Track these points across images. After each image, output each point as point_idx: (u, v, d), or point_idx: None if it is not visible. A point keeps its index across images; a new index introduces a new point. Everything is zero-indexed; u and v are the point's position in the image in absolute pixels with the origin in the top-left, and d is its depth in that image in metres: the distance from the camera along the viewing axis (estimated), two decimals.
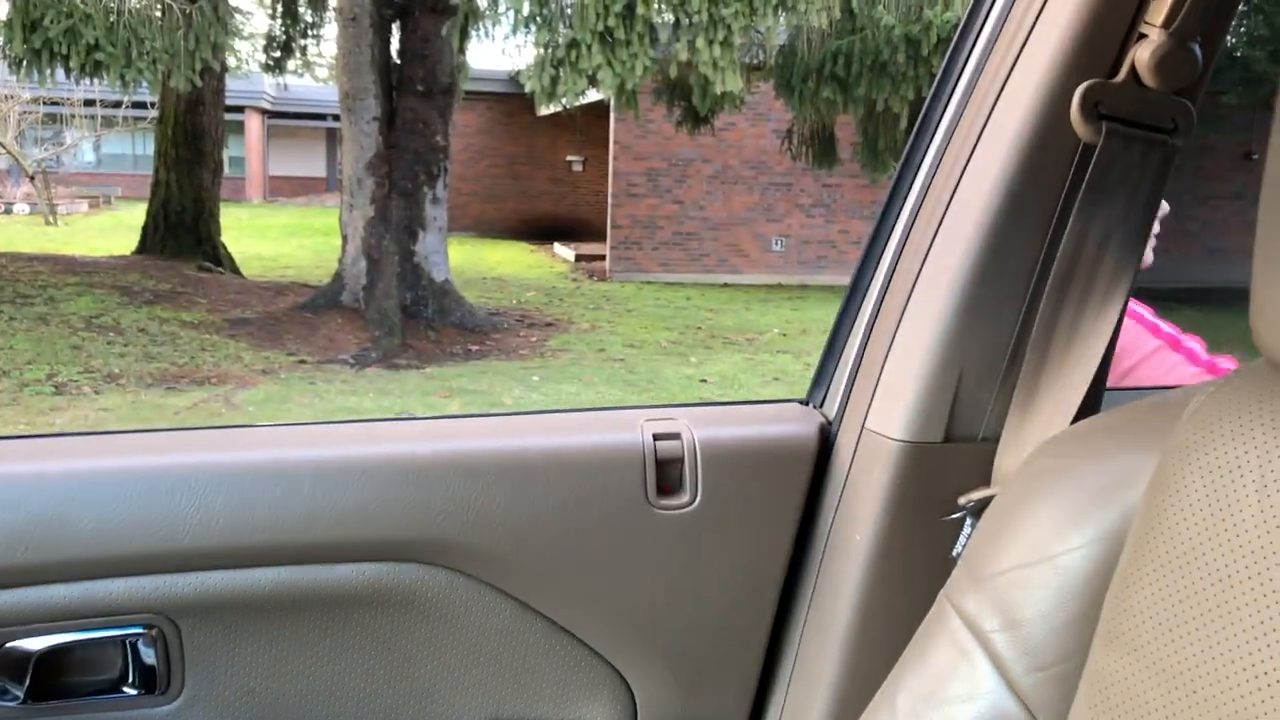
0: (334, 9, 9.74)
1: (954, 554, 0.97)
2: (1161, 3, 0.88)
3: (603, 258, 13.78)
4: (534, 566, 1.06)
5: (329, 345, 8.02)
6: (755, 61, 9.57)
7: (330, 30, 11.87)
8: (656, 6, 7.08)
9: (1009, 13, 0.98)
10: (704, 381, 7.44)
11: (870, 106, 9.06)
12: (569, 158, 17.93)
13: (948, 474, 1.01)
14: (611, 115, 12.90)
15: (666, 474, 1.08)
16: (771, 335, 9.50)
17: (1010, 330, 0.99)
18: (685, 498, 1.08)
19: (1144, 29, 0.90)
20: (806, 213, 13.58)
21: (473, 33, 8.90)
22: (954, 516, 0.97)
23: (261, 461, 1.04)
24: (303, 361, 7.55)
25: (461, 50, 8.82)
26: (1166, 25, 0.88)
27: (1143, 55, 0.89)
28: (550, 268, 14.30)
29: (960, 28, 1.04)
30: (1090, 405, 0.98)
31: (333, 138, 21.74)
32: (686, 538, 1.08)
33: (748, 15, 6.92)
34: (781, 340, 9.28)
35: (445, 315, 8.76)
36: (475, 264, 13.30)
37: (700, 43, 7.08)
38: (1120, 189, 0.93)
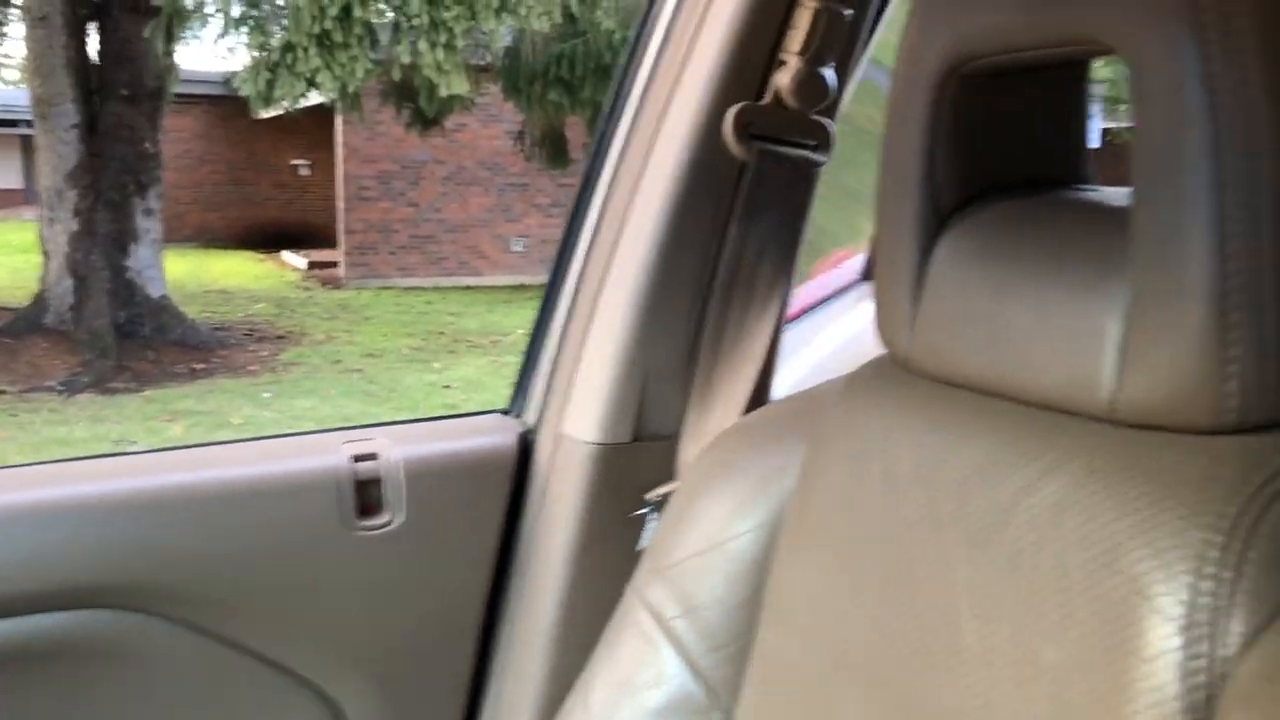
0: (20, 7, 8.95)
1: (640, 548, 1.03)
2: (797, 32, 0.97)
3: (336, 264, 13.36)
4: (232, 601, 1.04)
5: (33, 373, 7.38)
6: (484, 63, 9.56)
7: (18, 30, 10.89)
8: (376, 8, 6.94)
9: (668, 39, 1.05)
10: (448, 388, 7.37)
11: (596, 109, 9.25)
12: (294, 161, 17.22)
13: (638, 472, 1.07)
14: (338, 117, 12.53)
15: (367, 495, 1.09)
16: (515, 336, 9.52)
17: (688, 333, 1.06)
18: (386, 517, 1.09)
19: (784, 56, 0.99)
20: (545, 213, 13.67)
21: (181, 34, 8.42)
22: (640, 512, 1.03)
23: None
24: (2, 392, 6.92)
25: (168, 52, 8.32)
26: (802, 53, 0.97)
27: (783, 80, 0.98)
28: (280, 277, 13.72)
29: (629, 50, 1.10)
30: (760, 398, 1.06)
31: (29, 146, 19.95)
32: (389, 556, 1.09)
33: (469, 18, 6.90)
34: (525, 341, 9.32)
35: (164, 333, 8.25)
36: (197, 276, 12.57)
37: (423, 45, 7.00)
38: (773, 201, 1.01)
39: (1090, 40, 0.61)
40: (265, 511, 1.05)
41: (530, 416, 1.17)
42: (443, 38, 6.96)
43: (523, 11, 7.15)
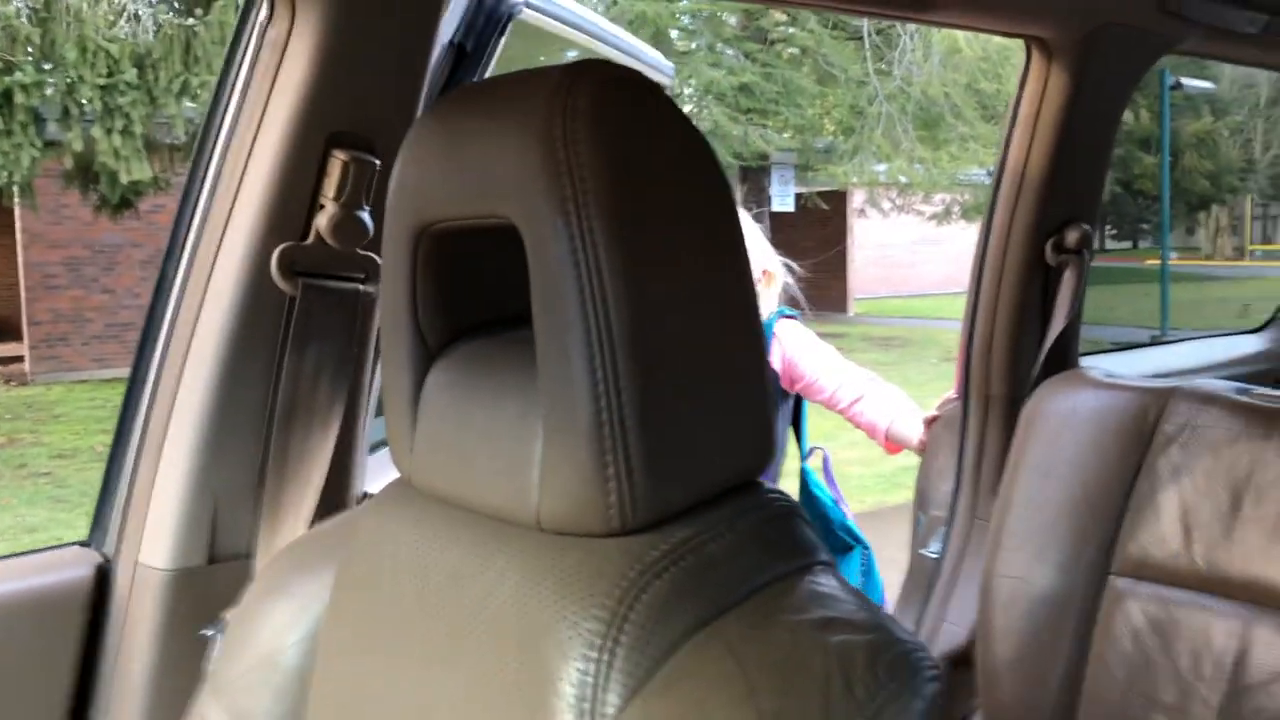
0: None
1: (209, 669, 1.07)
2: (330, 179, 1.07)
3: (22, 359, 12.32)
4: None
5: None
6: (179, 141, 9.18)
7: None
8: (42, 95, 6.54)
9: (219, 178, 1.12)
10: None
11: None
12: None
13: (216, 593, 1.11)
14: (16, 202, 11.64)
15: None
16: None
17: (254, 456, 1.12)
18: None
19: (323, 200, 1.08)
20: None
21: None
22: (208, 633, 1.07)
23: None
24: None
25: None
26: (337, 197, 1.07)
27: (322, 222, 1.07)
28: None
29: (185, 186, 1.16)
30: (336, 510, 1.13)
31: None
32: None
33: (148, 103, 6.65)
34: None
35: None
36: None
37: (97, 132, 6.66)
38: (324, 331, 1.10)
39: (504, 217, 0.73)
40: None
41: (109, 546, 1.18)
42: (119, 124, 6.65)
43: (204, 96, 6.95)
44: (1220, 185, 17.96)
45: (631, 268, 0.69)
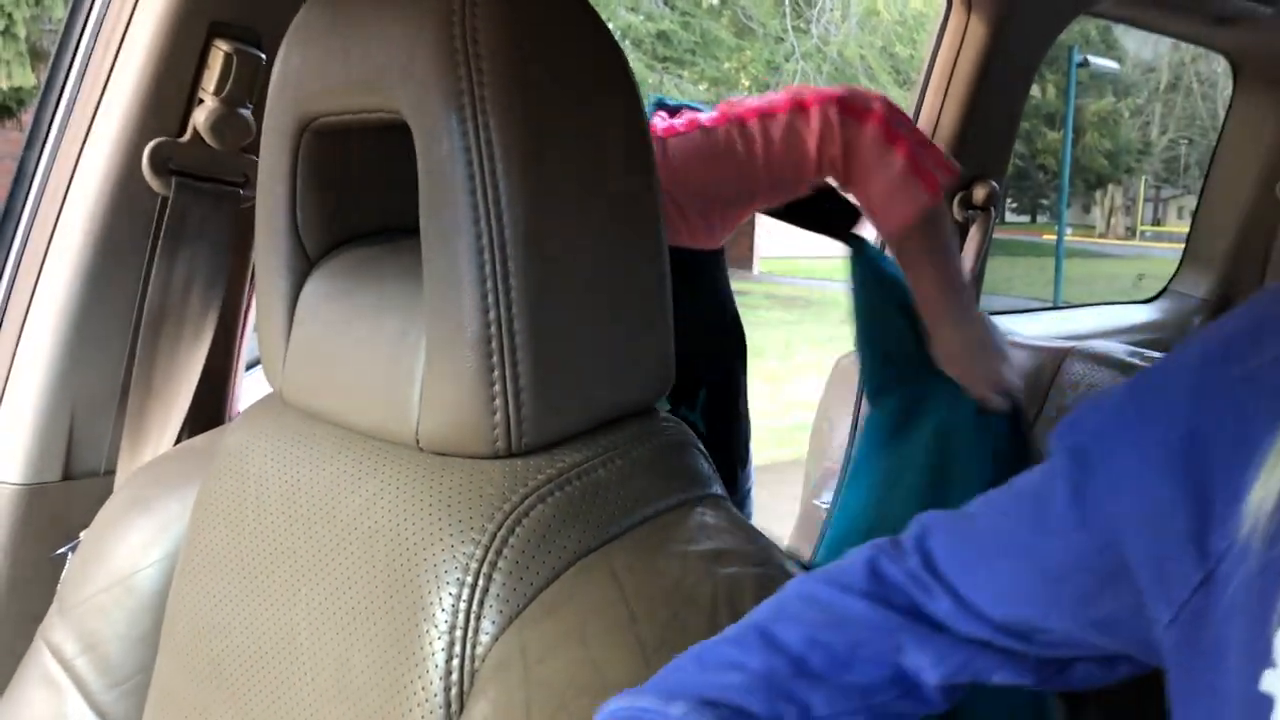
0: None
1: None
2: (211, 73, 0.99)
3: None
4: None
5: None
6: None
7: None
8: None
9: (88, 66, 1.03)
10: None
11: None
12: None
13: (72, 510, 1.04)
14: None
15: None
16: None
17: (119, 366, 1.05)
18: None
19: (202, 95, 1.00)
20: None
21: None
22: (61, 552, 1.00)
23: None
24: None
25: None
26: (218, 93, 0.99)
27: (200, 118, 1.00)
28: None
29: (50, 70, 1.07)
30: (205, 427, 1.06)
31: None
32: None
33: (33, 3, 6.25)
34: None
35: None
36: None
37: None
38: (197, 236, 1.02)
39: (395, 111, 0.67)
40: None
41: None
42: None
43: None
44: (1118, 165, 18.51)
45: (530, 171, 0.65)
